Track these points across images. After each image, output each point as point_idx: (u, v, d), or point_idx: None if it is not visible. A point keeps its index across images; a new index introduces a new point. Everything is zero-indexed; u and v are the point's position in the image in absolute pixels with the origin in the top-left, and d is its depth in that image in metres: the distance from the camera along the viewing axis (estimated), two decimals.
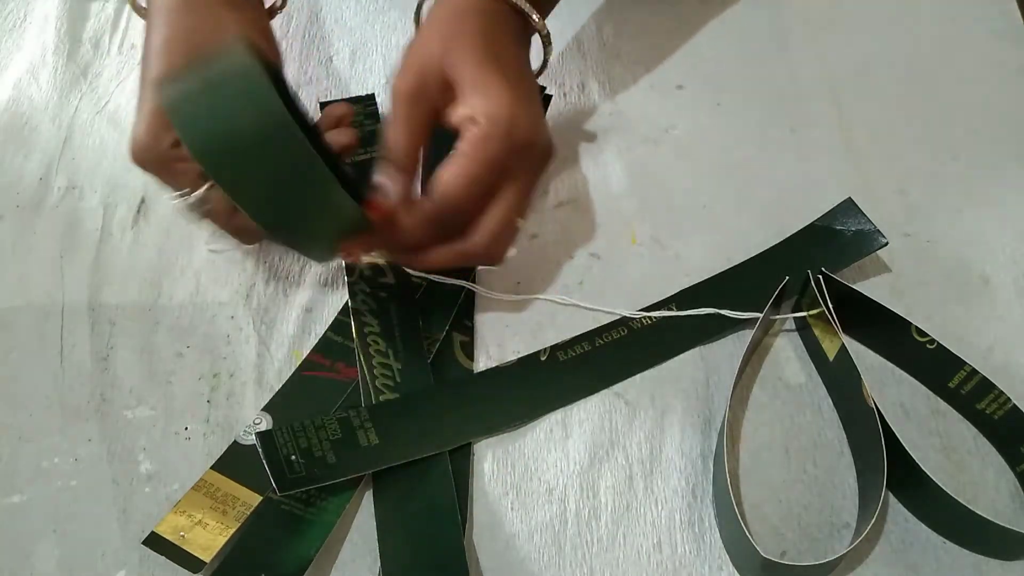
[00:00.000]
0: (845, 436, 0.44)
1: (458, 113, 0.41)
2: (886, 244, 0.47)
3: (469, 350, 0.46)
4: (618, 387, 0.45)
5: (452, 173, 0.40)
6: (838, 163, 0.54)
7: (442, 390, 0.44)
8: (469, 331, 0.47)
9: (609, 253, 0.50)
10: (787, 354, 0.47)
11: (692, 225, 0.51)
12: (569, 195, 0.53)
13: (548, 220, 0.52)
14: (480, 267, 0.49)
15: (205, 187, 0.41)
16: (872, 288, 0.49)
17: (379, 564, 0.39)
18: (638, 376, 0.46)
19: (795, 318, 0.46)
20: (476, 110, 0.40)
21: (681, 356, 0.46)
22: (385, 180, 0.42)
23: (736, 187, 0.53)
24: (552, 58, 0.48)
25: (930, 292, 0.48)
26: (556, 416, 0.44)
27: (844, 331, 0.43)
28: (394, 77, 0.43)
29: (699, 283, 0.48)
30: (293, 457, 0.39)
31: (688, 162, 0.54)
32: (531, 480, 0.43)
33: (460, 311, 0.48)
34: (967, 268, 0.49)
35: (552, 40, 0.47)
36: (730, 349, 0.47)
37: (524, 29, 0.46)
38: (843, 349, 0.42)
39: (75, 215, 0.52)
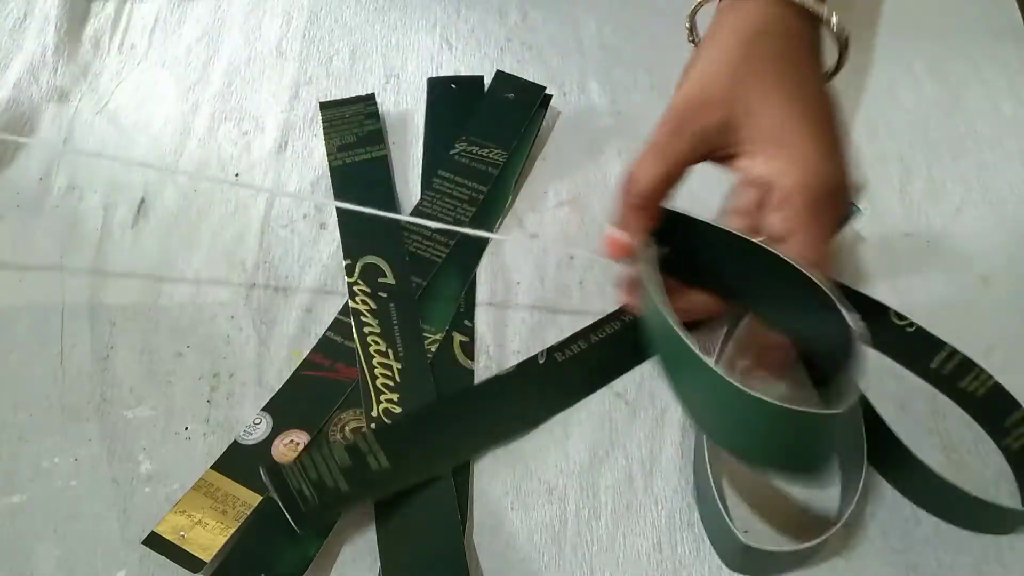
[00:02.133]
0: None
1: (754, 172, 0.36)
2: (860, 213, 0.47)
3: (469, 350, 0.46)
4: (618, 387, 0.45)
5: (810, 259, 0.35)
6: None
7: (445, 406, 0.44)
8: (469, 331, 0.47)
9: None
10: None
11: None
12: (569, 195, 0.53)
13: (548, 220, 0.52)
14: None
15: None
16: (872, 288, 0.49)
17: (379, 564, 0.39)
18: (638, 376, 0.46)
19: None
20: (777, 178, 0.35)
21: None
22: (619, 223, 0.37)
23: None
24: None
25: (930, 292, 0.48)
26: (556, 416, 0.44)
27: None
28: (670, 103, 0.37)
29: None
30: (306, 491, 0.39)
31: None
32: (531, 480, 0.43)
33: (460, 311, 0.48)
34: (967, 268, 0.50)
35: (848, 40, 0.41)
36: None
37: (816, 36, 0.40)
38: None
39: (75, 215, 0.52)
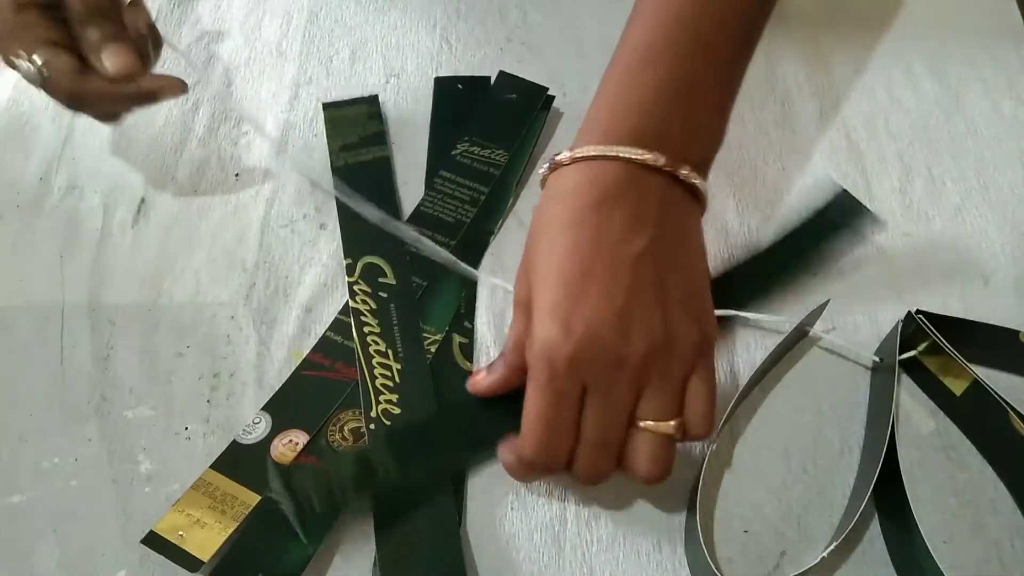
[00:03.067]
0: (995, 475, 0.43)
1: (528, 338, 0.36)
2: (879, 222, 0.47)
3: (468, 352, 0.46)
4: None
5: (523, 421, 0.36)
6: (838, 163, 0.54)
7: (454, 414, 0.43)
8: (469, 333, 0.47)
9: None
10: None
11: None
12: None
13: None
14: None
15: (40, 59, 0.41)
16: (872, 288, 0.49)
17: (377, 564, 0.39)
18: None
19: (874, 356, 0.46)
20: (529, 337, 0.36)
21: None
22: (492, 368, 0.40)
23: (736, 187, 0.53)
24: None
25: (930, 292, 0.48)
26: None
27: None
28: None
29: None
30: (314, 499, 0.39)
31: None
32: None
33: (460, 312, 0.48)
34: (967, 268, 0.49)
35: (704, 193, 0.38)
36: (728, 348, 0.47)
37: (653, 180, 0.37)
38: (975, 383, 0.41)
39: (75, 215, 0.52)
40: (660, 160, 0.36)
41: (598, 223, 0.35)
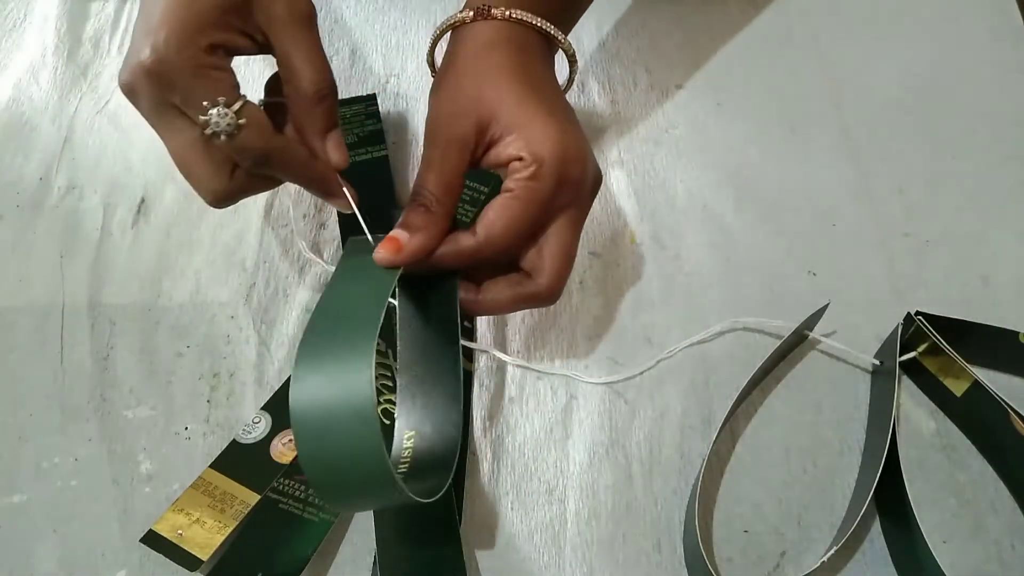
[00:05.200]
0: (995, 474, 0.43)
1: (504, 154, 0.39)
2: None
3: (468, 352, 0.46)
4: (618, 387, 0.45)
5: (500, 214, 0.38)
6: (838, 163, 0.54)
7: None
8: (469, 332, 0.47)
9: (609, 252, 0.50)
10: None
11: (692, 225, 0.51)
12: None
13: None
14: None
15: (238, 104, 0.35)
16: (872, 288, 0.49)
17: (377, 564, 0.39)
18: (638, 376, 0.46)
19: (873, 360, 0.46)
20: (523, 150, 0.38)
21: (680, 355, 0.46)
22: (414, 225, 0.39)
23: (736, 187, 0.53)
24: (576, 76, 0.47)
25: (930, 292, 0.48)
26: (556, 416, 0.45)
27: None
28: (427, 122, 0.40)
29: None
30: None
31: (688, 162, 0.54)
32: (531, 480, 0.43)
33: (460, 313, 0.47)
34: (967, 268, 0.49)
35: (577, 57, 0.46)
36: (729, 349, 0.47)
37: (549, 50, 0.44)
38: (975, 384, 0.42)
39: (75, 215, 0.52)
40: (557, 33, 0.43)
41: (535, 68, 0.42)
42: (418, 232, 0.38)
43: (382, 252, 0.37)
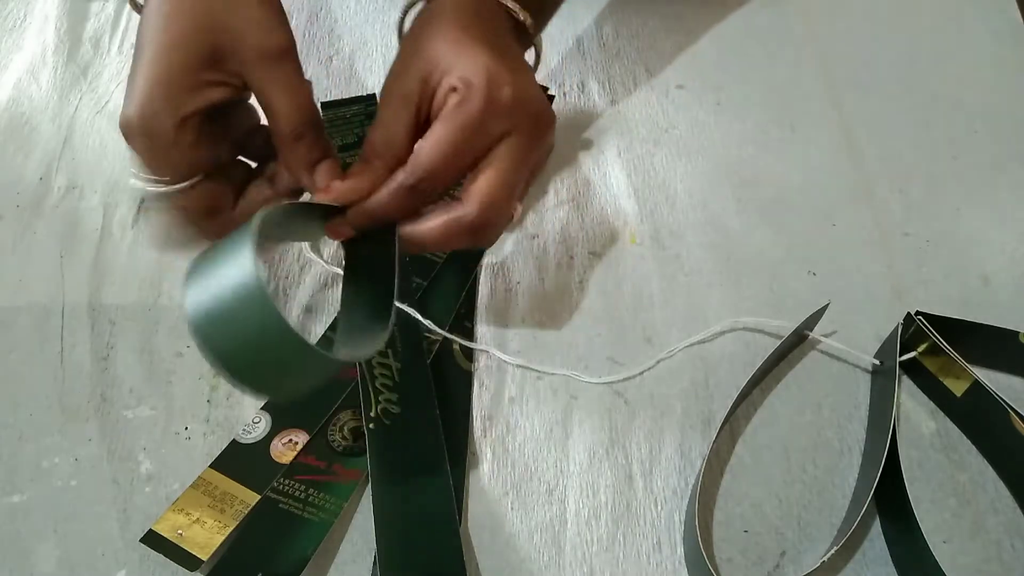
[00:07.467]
0: (995, 474, 0.43)
1: (441, 93, 0.38)
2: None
3: (468, 352, 0.46)
4: (618, 387, 0.45)
5: (429, 140, 0.37)
6: (838, 163, 0.54)
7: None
8: (469, 332, 0.47)
9: (609, 252, 0.50)
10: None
11: (692, 225, 0.51)
12: (569, 195, 0.53)
13: (548, 220, 0.52)
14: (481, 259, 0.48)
15: (189, 183, 0.37)
16: (873, 288, 0.49)
17: (377, 564, 0.39)
18: (638, 376, 0.46)
19: (874, 360, 0.46)
20: (455, 81, 0.37)
21: (680, 355, 0.46)
22: (350, 173, 0.39)
23: (736, 187, 0.53)
24: (541, 65, 0.47)
25: (930, 292, 0.48)
26: (556, 416, 0.44)
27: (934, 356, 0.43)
28: (391, 70, 0.41)
29: None
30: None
31: (688, 162, 0.54)
32: (531, 480, 0.43)
33: (460, 312, 0.48)
34: (967, 268, 0.49)
35: (543, 49, 0.46)
36: (729, 349, 0.47)
37: (516, 29, 0.44)
38: (975, 384, 0.42)
39: (75, 215, 0.52)
40: (525, 17, 0.43)
41: (490, 27, 0.41)
42: (351, 178, 0.38)
43: (318, 196, 0.38)
